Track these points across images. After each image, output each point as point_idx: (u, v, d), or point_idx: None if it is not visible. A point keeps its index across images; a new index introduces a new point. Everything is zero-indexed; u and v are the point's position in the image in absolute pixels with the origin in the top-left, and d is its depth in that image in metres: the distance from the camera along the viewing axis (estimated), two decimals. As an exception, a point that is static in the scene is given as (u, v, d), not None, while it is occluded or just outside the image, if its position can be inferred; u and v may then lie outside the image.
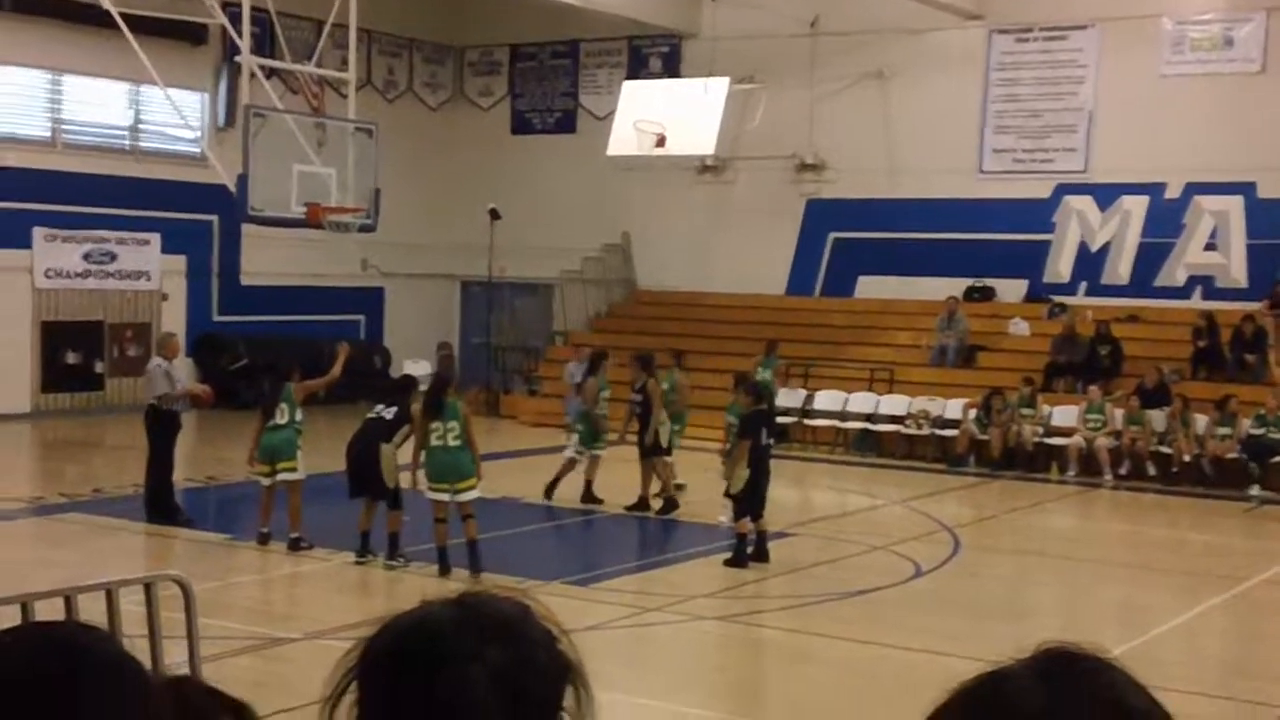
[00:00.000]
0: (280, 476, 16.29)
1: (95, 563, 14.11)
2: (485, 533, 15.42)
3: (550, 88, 35.00)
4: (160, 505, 17.75)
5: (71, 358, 28.88)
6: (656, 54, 33.40)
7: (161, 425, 17.76)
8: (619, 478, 20.11)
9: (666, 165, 30.33)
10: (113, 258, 29.29)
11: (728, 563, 16.08)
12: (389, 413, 15.68)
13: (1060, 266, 28.96)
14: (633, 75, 32.16)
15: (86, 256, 28.90)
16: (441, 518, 15.10)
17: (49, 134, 28.79)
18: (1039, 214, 28.97)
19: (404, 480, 15.58)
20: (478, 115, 35.91)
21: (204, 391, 19.37)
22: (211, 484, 20.92)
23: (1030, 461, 24.71)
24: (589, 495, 19.72)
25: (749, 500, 16.12)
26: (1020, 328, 28.10)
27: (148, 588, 6.18)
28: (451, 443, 14.97)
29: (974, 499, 22.51)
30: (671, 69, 32.55)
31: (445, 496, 15.04)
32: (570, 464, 19.87)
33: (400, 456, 15.67)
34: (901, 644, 12.79)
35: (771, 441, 16.55)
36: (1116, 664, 1.52)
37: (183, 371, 19.40)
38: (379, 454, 15.40)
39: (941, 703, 1.52)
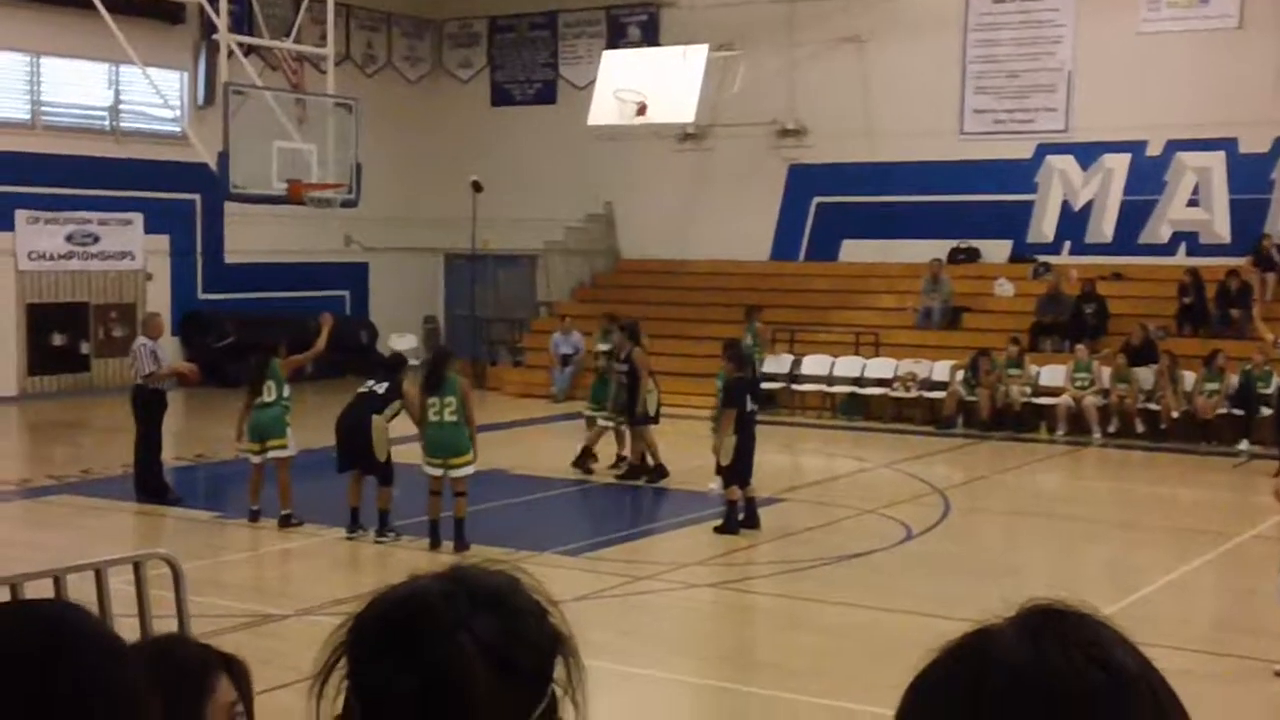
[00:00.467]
0: (271, 454, 16.27)
1: (85, 544, 14.09)
2: (475, 504, 15.43)
3: (530, 59, 34.90)
4: (149, 484, 17.74)
5: (57, 339, 28.83)
6: (635, 23, 33.30)
7: (148, 405, 17.74)
8: (607, 447, 20.11)
9: (648, 134, 30.26)
10: (96, 239, 29.21)
11: (718, 530, 16.10)
12: (381, 387, 15.67)
13: (1044, 226, 28.96)
14: (612, 45, 32.06)
15: (69, 238, 28.81)
16: (436, 490, 15.11)
17: (28, 116, 28.66)
18: (1021, 174, 28.96)
19: (397, 455, 15.57)
20: (457, 88, 35.81)
21: (189, 369, 19.31)
22: (200, 462, 20.90)
23: (1019, 422, 24.75)
24: (584, 461, 19.80)
25: (737, 467, 16.13)
26: (1005, 288, 28.12)
27: (136, 567, 6.17)
28: (448, 418, 14.96)
29: (963, 460, 22.54)
30: (650, 38, 32.46)
31: (439, 472, 15.05)
32: (600, 434, 19.92)
33: (391, 431, 15.67)
34: (893, 607, 12.80)
35: (756, 408, 16.55)
36: (1105, 621, 1.51)
37: (168, 351, 19.34)
38: (370, 427, 15.38)
39: (928, 662, 1.51)
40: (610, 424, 19.79)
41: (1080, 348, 25.01)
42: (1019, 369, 25.17)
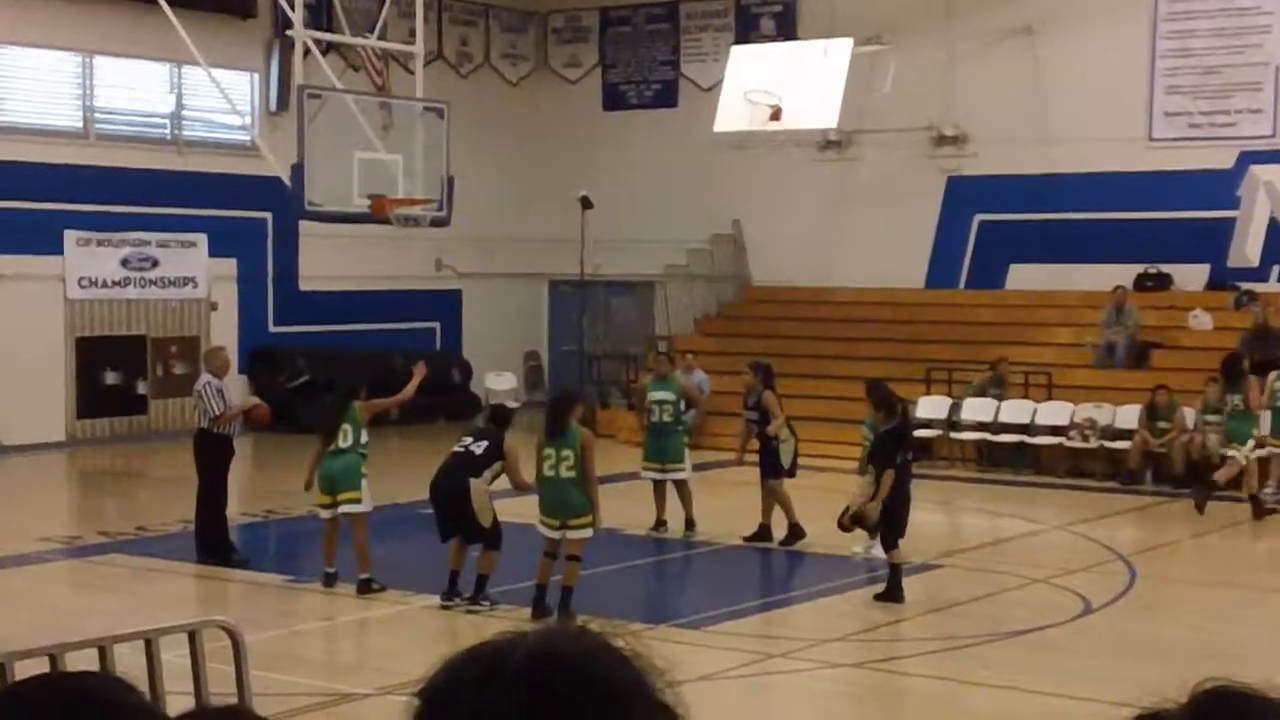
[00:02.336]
0: (343, 509, 16.35)
1: (139, 609, 14.27)
2: (584, 569, 15.42)
3: (647, 56, 35.04)
4: (213, 543, 17.94)
5: (110, 378, 29.30)
6: (769, 14, 33.34)
7: (213, 452, 17.94)
8: (734, 503, 20.04)
9: (783, 142, 30.22)
10: (154, 263, 29.69)
11: (880, 597, 16.05)
12: (478, 446, 15.66)
13: (1247, 248, 28.53)
14: (742, 40, 32.10)
15: (124, 262, 29.30)
16: (551, 553, 15.20)
17: (80, 124, 29.23)
18: (1221, 187, 28.55)
19: (508, 511, 15.59)
20: (564, 90, 36.02)
21: (258, 407, 19.29)
22: (270, 518, 21.12)
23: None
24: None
25: (891, 525, 16.06)
26: (1202, 320, 27.73)
27: (192, 636, 6.22)
28: (565, 473, 15.02)
29: (1152, 522, 22.23)
30: (786, 31, 32.48)
31: (558, 535, 15.11)
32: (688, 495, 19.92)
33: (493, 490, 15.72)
34: (1068, 692, 12.63)
35: (909, 456, 16.45)
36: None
37: (235, 390, 19.55)
38: (468, 493, 15.39)
39: None
40: (670, 476, 19.76)
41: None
42: (1218, 415, 24.73)
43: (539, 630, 1.82)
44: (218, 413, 17.73)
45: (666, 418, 19.87)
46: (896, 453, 16.15)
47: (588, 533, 15.17)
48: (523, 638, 1.80)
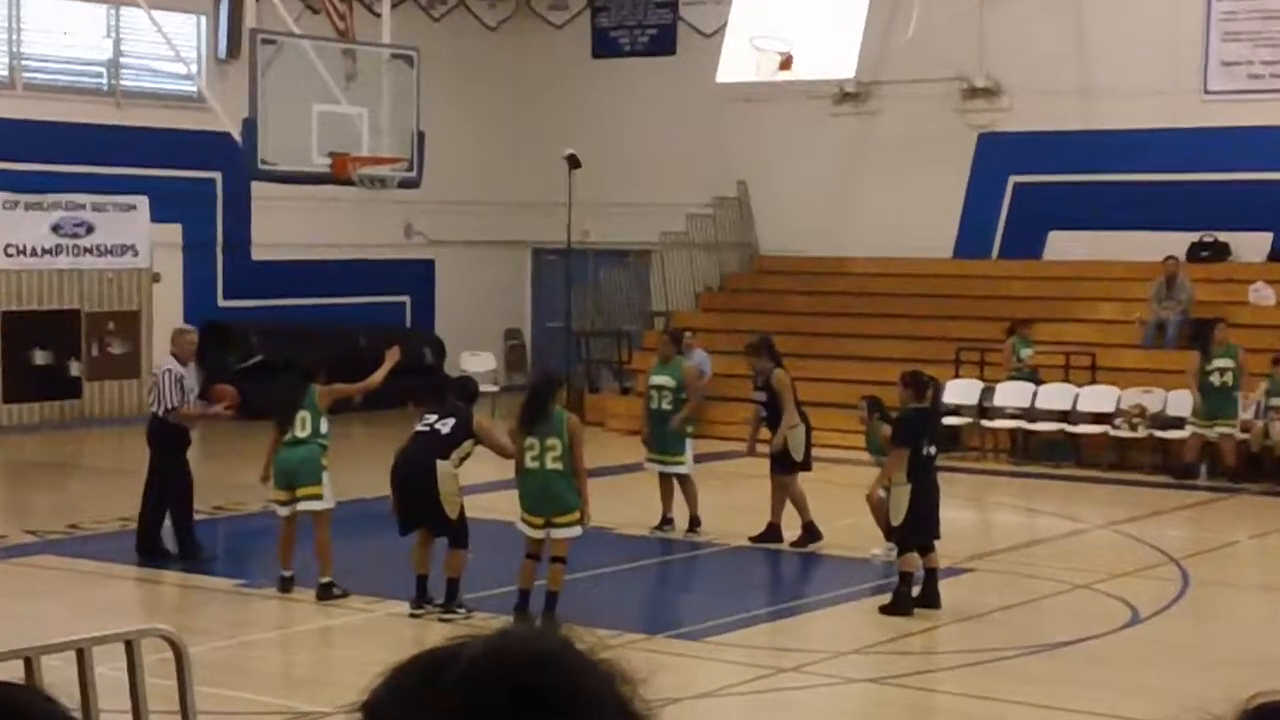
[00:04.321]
0: (301, 505, 16.31)
1: (71, 617, 14.24)
2: (572, 573, 15.40)
3: (642, -2, 35.01)
4: (178, 540, 17.94)
5: (40, 357, 29.26)
6: (779, -50, 33.29)
7: (168, 442, 17.95)
8: (742, 499, 20.03)
9: (794, 94, 30.21)
10: (89, 229, 29.64)
11: (886, 610, 15.97)
12: (444, 425, 15.61)
13: (1314, 214, 28.63)
14: (748, -22, 32.08)
15: (56, 228, 29.25)
16: (533, 554, 15.17)
17: (5, 72, 29.18)
18: (1284, 146, 28.63)
19: (479, 506, 15.60)
20: (549, 35, 35.98)
21: (230, 398, 19.06)
22: (219, 515, 21.07)
23: (1280, 470, 24.41)
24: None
25: (914, 527, 15.98)
26: (1263, 294, 27.76)
27: (129, 646, 6.18)
28: (550, 465, 14.97)
29: (1208, 521, 22.26)
30: (799, -31, 32.44)
31: (540, 534, 15.07)
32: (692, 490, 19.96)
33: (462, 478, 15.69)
34: (1114, 711, 12.64)
35: (934, 450, 16.40)
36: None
37: (195, 379, 19.40)
38: (434, 477, 15.36)
39: None
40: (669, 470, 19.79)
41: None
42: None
43: (492, 632, 1.79)
44: (172, 405, 17.76)
45: (666, 405, 19.84)
46: (919, 436, 16.09)
47: (575, 531, 15.12)
48: (474, 640, 1.77)
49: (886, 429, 16.77)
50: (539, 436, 15.00)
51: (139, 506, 18.17)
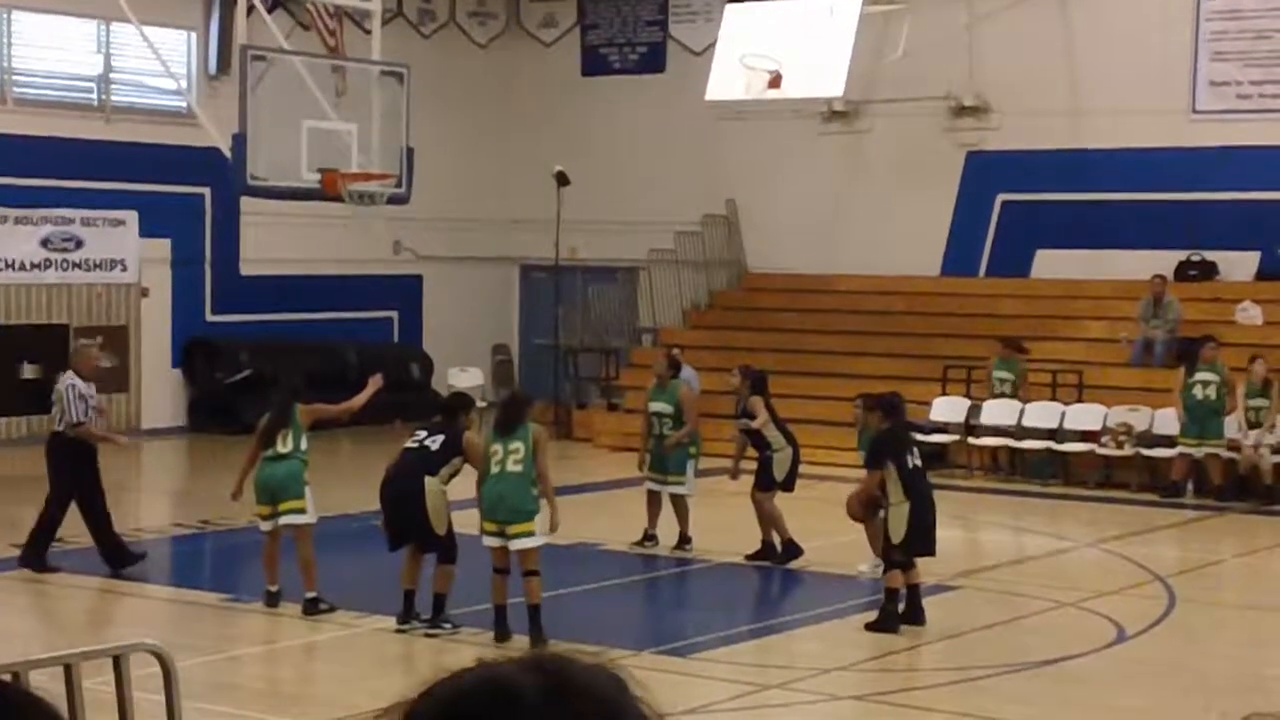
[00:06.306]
0: (284, 520, 16.30)
1: (57, 632, 14.24)
2: (557, 589, 15.40)
3: (631, 15, 35.03)
4: (111, 554, 17.99)
5: (28, 371, 29.20)
6: (768, -32, 33.34)
7: (73, 458, 17.94)
8: (731, 517, 20.03)
9: (783, 112, 30.22)
10: (78, 244, 29.62)
11: (871, 626, 15.98)
12: (434, 441, 15.60)
13: (1302, 234, 28.66)
14: (738, -3, 32.13)
15: (45, 242, 29.23)
16: (500, 568, 15.09)
17: (-5, 87, 29.18)
18: (1271, 165, 28.62)
19: (458, 522, 15.57)
20: (539, 52, 35.99)
21: (122, 440, 19.58)
22: (206, 530, 21.06)
23: (1270, 490, 24.39)
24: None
25: (914, 541, 15.97)
26: (1251, 314, 27.79)
27: (117, 661, 6.19)
28: (511, 468, 14.88)
29: (1195, 539, 22.29)
30: (788, -13, 32.47)
31: (497, 542, 15.00)
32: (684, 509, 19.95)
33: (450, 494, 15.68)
34: (1100, 729, 12.63)
35: (919, 464, 16.40)
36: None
37: (95, 394, 19.33)
38: (422, 494, 15.35)
39: None
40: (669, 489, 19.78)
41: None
42: (1264, 398, 24.70)
43: (535, 657, 1.78)
44: (76, 419, 17.79)
45: (667, 430, 19.82)
46: (897, 455, 16.10)
47: (534, 541, 14.96)
48: (522, 666, 1.77)
49: (873, 415, 16.73)
50: (504, 443, 14.95)
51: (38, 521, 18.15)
